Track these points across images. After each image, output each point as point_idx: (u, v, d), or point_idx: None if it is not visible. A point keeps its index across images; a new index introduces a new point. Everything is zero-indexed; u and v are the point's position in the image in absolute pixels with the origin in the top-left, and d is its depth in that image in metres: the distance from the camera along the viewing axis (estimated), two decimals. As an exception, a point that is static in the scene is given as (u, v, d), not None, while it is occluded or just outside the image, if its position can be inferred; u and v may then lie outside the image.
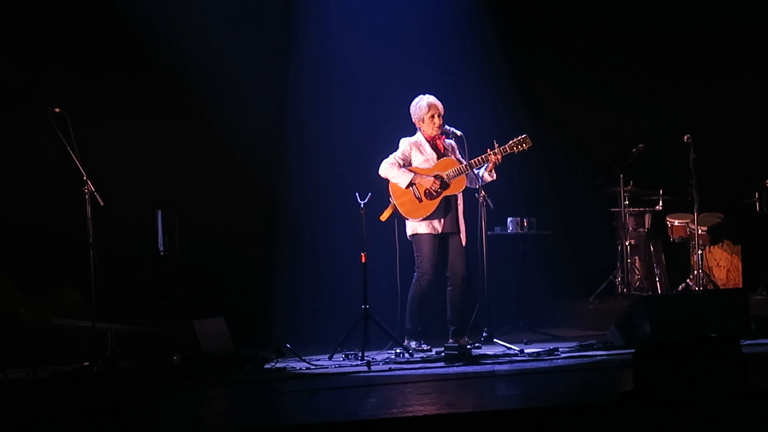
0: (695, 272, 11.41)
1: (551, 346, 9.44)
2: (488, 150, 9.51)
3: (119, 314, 9.56)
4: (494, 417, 6.25)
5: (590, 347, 9.40)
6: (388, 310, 9.93)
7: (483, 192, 9.53)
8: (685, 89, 12.43)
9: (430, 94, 9.77)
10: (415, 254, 9.74)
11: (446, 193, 9.62)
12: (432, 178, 9.57)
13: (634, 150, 11.47)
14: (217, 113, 11.22)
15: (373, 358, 9.14)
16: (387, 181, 9.70)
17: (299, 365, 9.06)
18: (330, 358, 9.38)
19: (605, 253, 12.05)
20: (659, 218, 12.06)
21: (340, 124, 11.68)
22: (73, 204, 9.07)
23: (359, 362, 9.07)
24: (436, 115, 9.68)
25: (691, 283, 11.50)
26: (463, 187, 9.69)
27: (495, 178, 9.65)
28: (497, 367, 8.60)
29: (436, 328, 10.06)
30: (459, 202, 9.77)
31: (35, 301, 9.71)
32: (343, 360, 9.26)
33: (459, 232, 9.74)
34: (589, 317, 11.40)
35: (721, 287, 11.70)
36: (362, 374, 8.53)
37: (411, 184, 9.59)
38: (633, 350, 6.24)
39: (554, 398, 7.03)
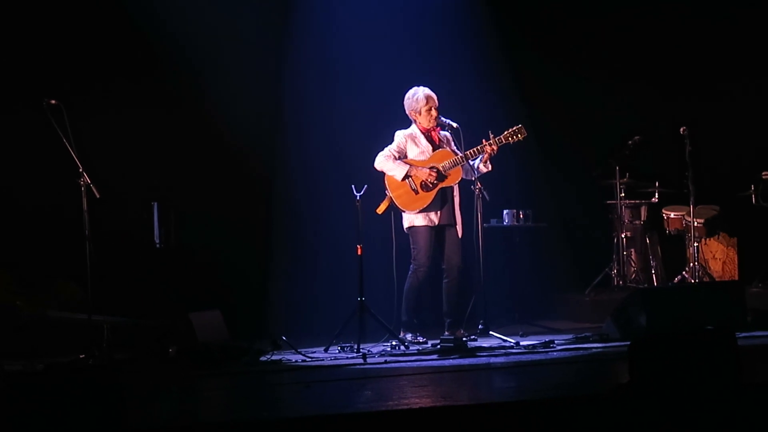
0: (691, 264, 11.41)
1: (547, 338, 9.45)
2: (483, 141, 9.51)
3: (115, 306, 9.55)
4: (490, 409, 6.26)
5: (586, 339, 9.42)
6: (384, 302, 9.94)
7: (479, 184, 9.52)
8: (682, 81, 12.42)
9: (425, 86, 9.76)
10: (412, 246, 9.74)
11: (442, 184, 9.62)
12: (428, 170, 9.56)
13: (630, 142, 11.47)
14: (214, 105, 11.21)
15: (368, 351, 9.15)
16: (383, 173, 9.69)
17: (295, 357, 9.07)
18: (326, 351, 9.39)
19: (601, 245, 12.06)
20: (655, 210, 12.06)
21: (336, 117, 11.67)
22: (69, 196, 9.07)
23: (355, 354, 9.07)
24: (432, 108, 9.68)
25: (687, 276, 11.50)
26: (459, 179, 9.68)
27: (490, 169, 9.65)
28: (493, 360, 8.61)
29: (432, 321, 10.08)
30: (455, 193, 9.76)
31: (31, 293, 9.72)
32: (339, 352, 9.27)
33: (455, 223, 9.75)
34: (585, 309, 11.41)
35: (717, 279, 11.70)
36: (358, 366, 8.54)
37: (407, 176, 9.58)
38: (629, 342, 6.24)
39: (550, 390, 7.03)
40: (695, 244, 11.37)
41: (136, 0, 10.89)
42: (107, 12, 10.88)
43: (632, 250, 11.99)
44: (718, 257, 12.07)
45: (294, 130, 11.74)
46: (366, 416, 6.18)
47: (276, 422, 6.19)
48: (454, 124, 9.64)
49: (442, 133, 9.84)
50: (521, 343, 9.21)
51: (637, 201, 12.04)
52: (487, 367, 8.35)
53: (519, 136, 9.56)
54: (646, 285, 11.70)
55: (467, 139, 9.57)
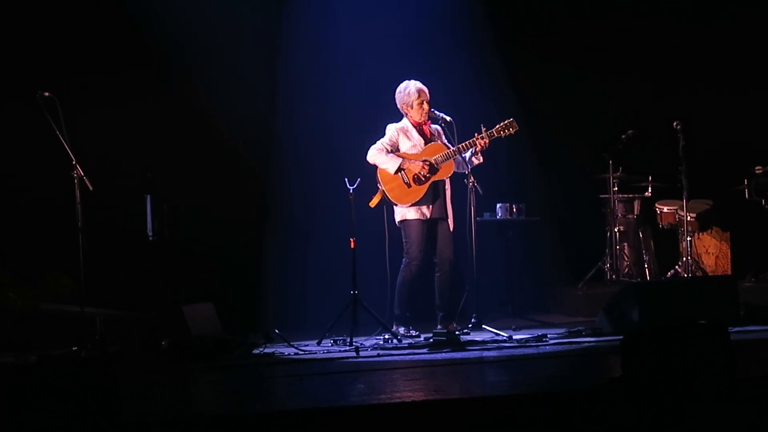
0: (684, 259, 11.42)
1: (540, 332, 9.47)
2: (475, 135, 9.50)
3: (108, 299, 9.53)
4: (482, 403, 6.27)
5: (578, 333, 9.44)
6: (377, 295, 9.93)
7: (472, 178, 9.53)
8: (675, 76, 12.43)
9: (417, 79, 9.77)
10: (404, 240, 9.75)
11: (435, 178, 9.62)
12: (420, 163, 9.57)
13: (623, 136, 11.48)
14: (207, 98, 11.18)
15: (361, 344, 9.15)
16: (375, 167, 9.69)
17: (288, 350, 9.06)
18: (318, 344, 9.39)
19: (594, 239, 12.06)
20: (648, 205, 12.07)
21: (329, 111, 11.66)
22: (62, 188, 9.06)
23: (348, 348, 9.07)
24: (424, 101, 9.69)
25: (679, 270, 11.51)
26: (452, 172, 9.69)
27: (482, 161, 9.65)
28: (486, 354, 8.63)
29: (425, 314, 10.08)
30: (447, 187, 9.78)
31: (24, 285, 9.69)
32: (332, 345, 9.27)
33: (447, 217, 9.76)
34: (578, 304, 11.42)
35: (709, 274, 11.72)
36: (351, 360, 8.54)
37: (399, 169, 9.58)
38: (621, 337, 6.26)
39: (542, 384, 7.05)
40: (688, 239, 11.38)
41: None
42: (102, 5, 10.85)
43: (625, 244, 12.00)
44: (711, 252, 12.08)
45: (287, 123, 11.73)
46: (358, 409, 6.18)
47: (269, 415, 6.19)
48: (448, 118, 9.65)
49: (433, 126, 9.84)
50: (514, 337, 9.22)
51: (630, 195, 12.04)
52: (480, 360, 8.35)
53: (510, 129, 9.57)
54: (639, 279, 11.71)
55: (460, 133, 9.57)
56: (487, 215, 11.38)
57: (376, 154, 9.64)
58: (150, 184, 10.40)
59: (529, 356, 8.42)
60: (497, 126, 9.55)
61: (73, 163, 8.84)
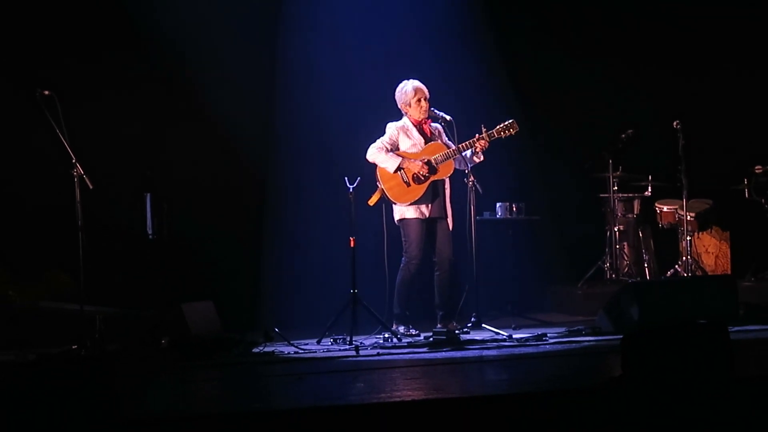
0: (684, 258, 11.42)
1: (539, 331, 9.45)
2: (476, 135, 9.50)
3: (108, 297, 9.53)
4: (482, 402, 6.26)
5: (578, 333, 9.43)
6: (377, 294, 9.93)
7: (472, 177, 9.52)
8: (675, 75, 12.43)
9: (418, 78, 9.78)
10: (403, 239, 9.75)
11: (434, 177, 9.62)
12: (420, 163, 9.57)
13: (623, 135, 11.47)
14: (207, 96, 11.18)
15: (361, 343, 9.14)
16: (375, 165, 9.69)
17: (287, 349, 9.06)
18: (318, 343, 9.38)
19: (594, 238, 12.06)
20: (648, 204, 12.07)
21: (329, 109, 11.64)
22: (61, 186, 9.05)
23: (347, 347, 9.06)
24: (422, 99, 9.69)
25: (679, 269, 11.51)
26: (451, 172, 9.69)
27: (482, 159, 9.65)
28: (485, 353, 8.62)
29: (425, 313, 10.08)
30: (446, 186, 9.78)
31: (23, 283, 9.70)
32: (331, 344, 9.26)
33: (446, 216, 9.76)
34: (578, 303, 11.42)
35: (709, 273, 11.72)
36: (350, 359, 8.53)
37: (399, 168, 9.58)
38: (621, 336, 6.25)
39: (542, 383, 7.05)
40: (688, 238, 11.38)
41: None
42: (102, 2, 10.86)
43: (625, 243, 12.00)
44: (710, 251, 12.09)
45: (287, 121, 11.72)
46: (358, 408, 6.17)
47: (268, 413, 6.18)
48: (448, 117, 9.64)
49: (433, 125, 9.84)
50: (514, 336, 9.22)
51: (630, 194, 12.05)
52: (480, 359, 8.35)
53: (511, 130, 9.56)
54: (638, 278, 11.70)
55: (460, 132, 9.57)
56: (486, 214, 11.39)
57: (375, 153, 9.64)
58: (149, 182, 10.41)
59: (528, 355, 8.41)
60: (498, 127, 9.54)
61: (73, 161, 8.83)
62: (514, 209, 11.48)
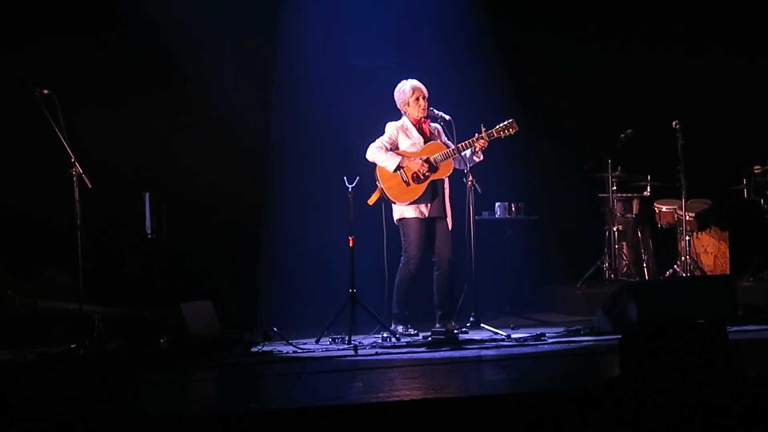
0: (682, 258, 11.42)
1: (538, 331, 9.45)
2: (475, 135, 9.50)
3: (106, 297, 9.54)
4: (480, 402, 6.26)
5: (577, 333, 9.43)
6: (376, 294, 9.94)
7: (471, 176, 9.52)
8: (674, 75, 12.42)
9: (417, 78, 9.78)
10: (402, 238, 9.75)
11: (434, 177, 9.62)
12: (420, 162, 9.57)
13: (622, 135, 11.47)
14: (205, 96, 11.18)
15: (359, 342, 9.14)
16: (374, 165, 9.69)
17: (286, 349, 9.07)
18: (317, 342, 9.38)
19: (593, 238, 12.05)
20: (647, 204, 12.07)
21: (328, 109, 11.64)
22: (61, 186, 9.05)
23: (346, 346, 9.06)
24: (420, 98, 9.69)
25: (678, 269, 11.51)
26: (451, 171, 9.69)
27: (482, 159, 9.64)
28: (484, 352, 8.62)
29: (423, 313, 10.07)
30: (446, 186, 9.77)
31: (23, 283, 9.71)
32: (330, 344, 9.26)
33: (446, 216, 9.76)
34: (577, 303, 11.41)
35: (708, 273, 11.71)
36: (349, 358, 8.53)
37: (398, 167, 9.58)
38: (620, 336, 6.25)
39: (540, 383, 7.05)
40: (687, 238, 11.38)
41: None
42: (101, 4, 10.86)
43: (624, 243, 12.00)
44: (709, 251, 12.08)
45: (286, 121, 11.72)
46: (357, 408, 6.18)
47: (267, 413, 6.19)
48: (447, 117, 9.64)
49: (432, 125, 9.84)
50: (512, 336, 9.21)
51: (629, 194, 12.05)
52: (478, 359, 8.35)
53: (510, 130, 9.56)
54: (637, 278, 11.71)
55: (459, 132, 9.57)
56: (486, 214, 11.39)
57: (375, 152, 9.64)
58: (148, 182, 10.41)
59: (527, 355, 8.41)
60: (497, 126, 9.54)
61: (72, 160, 8.83)
62: (513, 209, 11.48)
